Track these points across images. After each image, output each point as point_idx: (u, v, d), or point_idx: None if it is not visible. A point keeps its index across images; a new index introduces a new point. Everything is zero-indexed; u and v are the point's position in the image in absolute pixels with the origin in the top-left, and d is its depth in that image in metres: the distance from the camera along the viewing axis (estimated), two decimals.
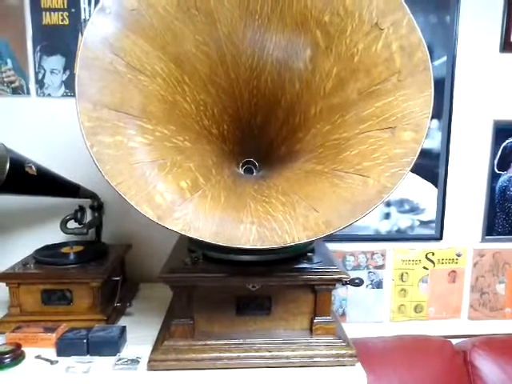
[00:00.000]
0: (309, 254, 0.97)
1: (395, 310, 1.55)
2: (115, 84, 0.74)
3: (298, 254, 0.96)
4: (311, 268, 0.91)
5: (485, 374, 1.39)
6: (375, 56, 0.80)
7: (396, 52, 0.78)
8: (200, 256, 0.94)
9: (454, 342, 1.50)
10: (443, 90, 1.42)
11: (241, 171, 1.08)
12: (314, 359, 0.90)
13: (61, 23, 1.31)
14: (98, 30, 0.74)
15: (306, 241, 0.67)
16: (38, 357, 0.93)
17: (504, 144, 1.48)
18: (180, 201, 0.71)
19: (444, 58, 1.41)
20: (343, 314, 1.53)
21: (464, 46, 1.42)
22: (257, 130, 1.06)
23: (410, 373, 1.38)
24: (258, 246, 0.66)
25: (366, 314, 1.55)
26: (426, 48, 0.76)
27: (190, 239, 1.03)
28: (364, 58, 0.82)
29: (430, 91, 0.74)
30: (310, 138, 0.93)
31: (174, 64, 0.85)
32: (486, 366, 1.40)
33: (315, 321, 0.94)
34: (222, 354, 0.89)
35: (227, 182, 0.87)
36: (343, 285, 0.95)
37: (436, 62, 1.41)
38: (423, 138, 0.71)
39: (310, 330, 0.94)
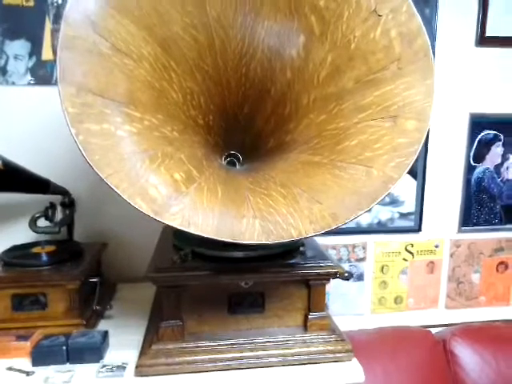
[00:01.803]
0: (301, 249, 0.94)
1: (376, 302, 1.56)
2: (100, 67, 0.68)
3: (290, 248, 0.93)
4: (306, 263, 0.89)
5: (464, 361, 1.42)
6: (373, 43, 0.78)
7: (395, 39, 0.76)
8: (189, 253, 0.88)
9: (433, 331, 1.53)
10: None
11: (223, 163, 1.03)
12: (311, 356, 0.88)
13: (25, 4, 1.21)
14: (81, 8, 0.67)
15: (312, 234, 0.64)
16: (10, 368, 0.85)
17: (479, 137, 1.51)
18: (175, 194, 0.66)
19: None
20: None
21: (442, 39, 1.43)
22: (243, 121, 1.02)
23: (393, 363, 1.39)
24: (264, 241, 0.62)
25: (348, 306, 1.54)
26: (427, 35, 0.75)
27: (176, 235, 0.97)
28: (361, 46, 0.79)
29: (432, 79, 0.73)
30: (303, 129, 0.90)
31: (161, 48, 0.79)
32: (464, 353, 1.43)
33: (310, 316, 0.91)
34: (214, 356, 0.85)
35: (220, 174, 0.82)
36: (334, 278, 0.93)
37: None
38: (427, 126, 0.70)
39: (305, 326, 0.92)
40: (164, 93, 0.82)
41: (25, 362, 0.87)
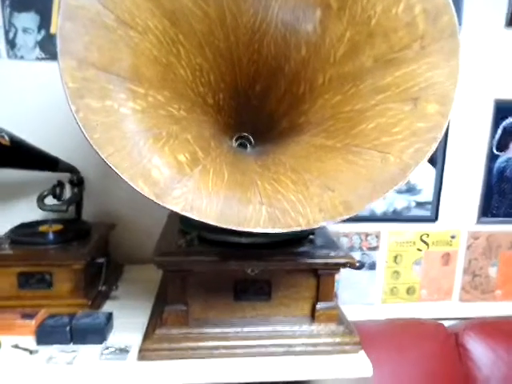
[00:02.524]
0: (311, 237, 0.90)
1: (387, 292, 1.52)
2: (103, 40, 0.64)
3: (299, 236, 0.90)
4: (315, 252, 0.85)
5: (476, 356, 1.38)
6: (395, 19, 0.72)
7: (419, 15, 0.71)
8: (195, 238, 0.86)
9: (446, 324, 1.49)
10: None
11: (234, 146, 1.00)
12: (317, 347, 0.85)
13: None
14: None
15: (322, 224, 0.60)
16: (16, 346, 0.85)
17: (503, 124, 1.44)
18: (179, 177, 0.62)
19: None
20: (335, 296, 1.49)
21: (469, 19, 1.35)
22: (255, 101, 0.97)
23: (403, 355, 1.36)
24: (270, 230, 0.59)
25: (358, 295, 1.51)
26: (454, 11, 0.69)
27: (182, 219, 0.95)
28: (382, 22, 0.74)
29: (457, 60, 0.67)
30: (317, 110, 0.85)
31: (169, 21, 0.75)
32: (477, 348, 1.39)
33: (318, 306, 0.88)
34: (218, 343, 0.83)
35: (228, 156, 0.78)
36: (344, 268, 0.90)
37: None
38: (450, 110, 0.65)
39: (312, 316, 0.89)
40: (171, 68, 0.78)
41: (29, 340, 0.87)
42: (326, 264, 0.85)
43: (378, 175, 0.64)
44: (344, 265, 0.86)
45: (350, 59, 0.79)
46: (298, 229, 0.60)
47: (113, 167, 0.57)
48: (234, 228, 0.58)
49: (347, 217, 0.61)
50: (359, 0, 0.76)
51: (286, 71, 0.90)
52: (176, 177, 0.62)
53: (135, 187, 0.57)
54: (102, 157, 0.57)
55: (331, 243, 0.90)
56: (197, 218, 0.58)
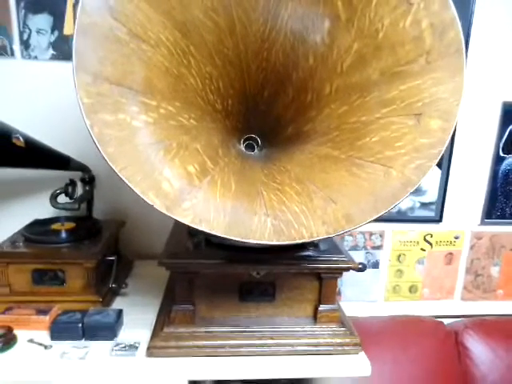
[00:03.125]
0: (315, 241, 0.93)
1: (390, 290, 1.55)
2: (117, 54, 0.66)
3: None
4: (318, 256, 0.88)
5: (475, 354, 1.41)
6: (402, 33, 0.74)
7: (426, 30, 0.72)
8: (202, 240, 0.89)
9: (447, 322, 1.52)
10: None
11: (242, 147, 1.02)
12: (318, 347, 0.89)
13: None
14: None
15: (324, 237, 0.63)
16: (31, 341, 0.89)
17: (511, 127, 1.44)
18: (189, 188, 0.65)
19: None
20: (338, 294, 1.52)
21: (478, 22, 1.35)
22: (263, 106, 0.99)
23: (403, 352, 1.39)
24: (274, 242, 0.61)
25: (361, 293, 1.54)
26: (460, 28, 0.70)
27: None
28: (389, 35, 0.75)
29: (462, 76, 0.68)
30: (324, 119, 0.87)
31: (180, 32, 0.77)
32: (476, 346, 1.42)
33: (320, 308, 0.91)
34: (224, 342, 0.87)
35: (235, 164, 0.81)
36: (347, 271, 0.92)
37: None
38: (452, 127, 0.66)
39: (314, 317, 0.92)
40: (182, 79, 0.80)
41: (44, 335, 0.91)
42: (329, 268, 0.88)
43: (381, 190, 0.66)
44: (346, 269, 0.89)
45: (357, 70, 0.80)
46: (302, 241, 0.63)
47: (126, 181, 0.60)
48: (240, 240, 0.61)
49: (349, 230, 0.63)
50: (367, 12, 0.77)
51: (293, 79, 0.92)
52: (186, 188, 0.65)
53: (147, 200, 0.60)
54: (116, 170, 0.60)
55: (334, 247, 0.93)
56: (205, 231, 0.60)
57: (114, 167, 0.60)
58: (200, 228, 0.60)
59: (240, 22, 0.84)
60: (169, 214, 0.60)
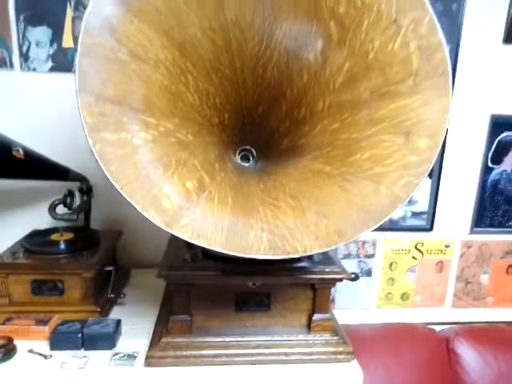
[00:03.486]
0: None
1: (382, 298, 1.58)
2: (118, 74, 0.69)
3: None
4: (312, 267, 0.91)
5: (465, 361, 1.44)
6: (392, 55, 0.77)
7: (414, 52, 0.75)
8: (199, 252, 0.91)
9: (439, 329, 1.55)
10: None
11: (237, 159, 1.05)
12: (312, 356, 0.91)
13: None
14: (100, 14, 0.67)
15: (317, 251, 0.65)
16: (31, 351, 0.90)
17: (499, 138, 1.48)
18: (187, 204, 0.68)
19: (448, 47, 1.38)
20: (332, 301, 1.55)
21: (468, 35, 1.39)
22: (258, 120, 1.02)
23: (395, 359, 1.42)
24: (270, 256, 0.64)
25: (355, 300, 1.57)
26: (447, 51, 0.73)
27: None
28: (379, 56, 0.78)
29: (449, 97, 0.72)
30: (317, 134, 0.90)
31: (178, 51, 0.80)
32: (466, 353, 1.45)
33: (314, 318, 0.94)
34: (220, 351, 0.89)
35: (232, 178, 0.83)
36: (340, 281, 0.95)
37: None
38: (439, 146, 0.70)
39: (308, 326, 0.95)
40: (180, 96, 0.83)
41: (43, 345, 0.92)
42: (323, 279, 0.91)
43: (371, 205, 0.69)
44: (339, 280, 0.92)
45: (349, 89, 0.83)
46: (296, 256, 0.65)
47: (127, 198, 0.62)
48: (237, 254, 0.63)
49: (340, 244, 0.66)
50: (359, 34, 0.80)
51: (288, 95, 0.95)
52: (184, 204, 0.68)
53: (147, 216, 0.62)
54: (117, 188, 0.62)
55: (328, 258, 0.95)
56: (204, 246, 0.63)
57: (116, 185, 0.62)
58: (198, 243, 0.63)
59: (236, 41, 0.87)
60: (168, 230, 0.63)
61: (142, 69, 0.73)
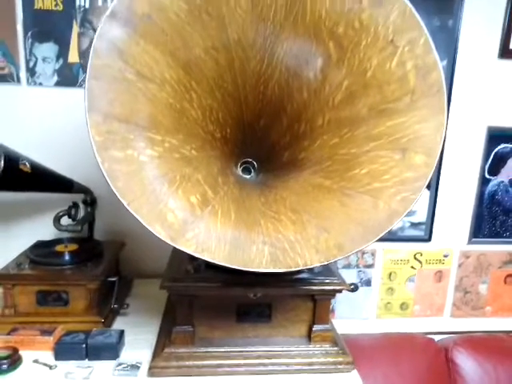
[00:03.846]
0: None
1: (382, 307, 1.59)
2: (125, 94, 0.72)
3: None
4: (313, 279, 0.93)
5: (464, 370, 1.45)
6: (389, 73, 0.80)
7: (410, 71, 0.78)
8: (202, 263, 0.93)
9: (438, 338, 1.56)
10: None
11: (239, 171, 1.07)
12: (312, 366, 0.93)
13: (54, 8, 1.25)
14: (108, 37, 0.70)
15: (317, 265, 0.67)
16: (36, 361, 0.92)
17: (496, 150, 1.51)
18: (191, 218, 0.70)
19: (444, 62, 1.42)
20: (332, 311, 1.57)
21: (464, 50, 1.42)
22: (259, 133, 1.05)
23: (395, 368, 1.43)
24: (271, 269, 0.66)
25: (354, 310, 1.59)
26: (442, 70, 0.76)
27: None
28: (377, 74, 0.81)
29: (444, 115, 0.74)
30: (316, 149, 0.93)
31: (183, 70, 0.82)
32: (465, 363, 1.47)
33: (314, 328, 0.96)
34: (222, 362, 0.91)
35: (234, 192, 0.86)
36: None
37: None
38: (435, 162, 0.72)
39: (309, 337, 0.96)
40: (184, 112, 0.85)
41: (48, 355, 0.94)
42: (323, 290, 0.93)
43: (369, 220, 0.71)
44: (338, 291, 0.94)
45: (348, 105, 0.86)
46: (297, 269, 0.67)
47: (134, 213, 0.64)
48: (239, 268, 0.65)
49: (340, 258, 0.68)
50: (357, 53, 0.83)
51: (288, 110, 0.98)
52: (189, 219, 0.70)
53: (153, 231, 0.64)
54: (124, 204, 0.64)
55: (328, 270, 0.97)
56: (208, 260, 0.65)
57: (123, 201, 0.64)
58: (202, 257, 0.65)
59: (239, 59, 0.90)
60: (173, 244, 0.65)
61: (148, 88, 0.75)
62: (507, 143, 1.51)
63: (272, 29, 0.86)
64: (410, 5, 0.77)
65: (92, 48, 0.68)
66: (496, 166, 1.52)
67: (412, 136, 0.76)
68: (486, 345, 1.52)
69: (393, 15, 0.78)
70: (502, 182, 1.54)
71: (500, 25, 1.41)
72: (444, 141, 1.43)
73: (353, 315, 1.59)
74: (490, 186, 1.54)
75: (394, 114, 0.79)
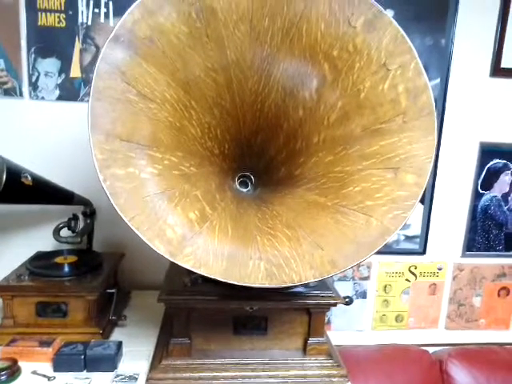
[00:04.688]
0: None
1: (377, 319, 1.61)
2: (127, 114, 0.74)
3: None
4: (308, 292, 0.95)
5: (459, 382, 1.47)
6: (381, 95, 0.83)
7: (402, 94, 0.81)
8: (199, 277, 0.95)
9: (431, 350, 1.58)
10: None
11: (236, 184, 1.09)
12: (307, 379, 0.94)
13: (57, 25, 1.28)
14: (111, 59, 0.73)
15: (311, 281, 0.70)
16: (35, 372, 0.93)
17: (488, 165, 1.54)
18: (190, 234, 0.72)
19: (437, 80, 1.45)
20: (328, 323, 1.58)
21: (457, 68, 1.46)
22: (256, 149, 1.07)
23: (389, 381, 1.45)
24: (267, 285, 0.68)
25: (350, 322, 1.60)
26: (432, 93, 0.79)
27: None
28: (370, 96, 0.84)
29: (434, 136, 0.77)
30: (312, 166, 0.95)
31: (183, 90, 0.85)
32: (459, 375, 1.48)
33: (309, 341, 0.97)
34: (218, 374, 0.92)
35: (231, 207, 0.88)
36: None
37: (430, 84, 1.44)
38: (425, 182, 0.75)
39: (304, 349, 0.98)
40: (184, 130, 0.88)
41: (46, 367, 0.95)
42: (318, 304, 0.95)
43: (362, 237, 0.73)
44: (333, 304, 0.96)
45: (342, 125, 0.89)
46: (291, 285, 0.70)
47: (135, 230, 0.67)
48: (236, 283, 0.68)
49: (333, 274, 0.71)
50: (351, 75, 0.86)
51: (284, 127, 1.00)
52: (187, 235, 0.72)
53: (153, 247, 0.67)
54: (126, 220, 0.67)
55: (323, 284, 0.99)
56: (205, 275, 0.67)
57: (124, 217, 0.67)
58: (200, 272, 0.67)
59: (237, 80, 0.93)
60: (172, 260, 0.67)
61: (149, 107, 0.78)
62: (499, 158, 1.54)
63: (269, 51, 0.90)
64: (401, 30, 0.81)
65: (95, 70, 0.71)
66: (489, 180, 1.56)
67: (404, 156, 0.79)
68: (480, 357, 1.53)
69: (385, 40, 0.81)
70: (495, 196, 1.57)
71: (491, 44, 1.45)
72: (437, 157, 1.48)
73: (349, 327, 1.60)
74: (483, 201, 1.57)
75: (386, 134, 0.82)
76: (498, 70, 1.47)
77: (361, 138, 0.85)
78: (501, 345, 1.63)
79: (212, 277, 0.68)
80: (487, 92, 1.49)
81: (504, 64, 1.46)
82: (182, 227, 0.73)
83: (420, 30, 1.40)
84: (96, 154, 0.68)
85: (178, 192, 0.78)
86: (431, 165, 0.76)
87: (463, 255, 1.60)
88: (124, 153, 0.72)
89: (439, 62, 1.44)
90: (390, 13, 1.34)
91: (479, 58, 1.46)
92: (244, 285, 0.68)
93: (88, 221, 1.31)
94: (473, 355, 1.54)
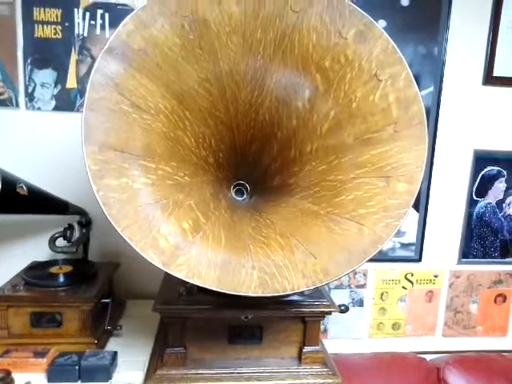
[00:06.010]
0: None
1: (374, 327, 1.61)
2: (120, 124, 0.75)
3: None
4: (303, 301, 0.95)
5: None
6: (373, 105, 0.84)
7: (393, 103, 0.82)
8: (194, 286, 0.95)
9: (429, 357, 1.57)
10: (428, 119, 1.48)
11: (232, 193, 1.10)
12: None
13: (53, 36, 1.29)
14: (105, 71, 0.74)
15: (304, 289, 0.70)
16: (28, 383, 0.93)
17: (482, 172, 1.55)
18: (183, 244, 0.73)
19: (431, 88, 1.47)
20: (325, 331, 1.58)
21: (450, 77, 1.48)
22: (251, 158, 1.08)
23: None
24: (260, 294, 0.69)
25: (347, 330, 1.60)
26: (422, 103, 0.80)
27: None
28: (362, 106, 0.85)
29: (424, 145, 0.78)
30: (306, 175, 0.96)
31: (177, 101, 0.86)
32: (457, 382, 1.48)
33: (304, 350, 0.97)
34: (214, 383, 0.92)
35: (225, 216, 0.89)
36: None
37: (423, 92, 1.46)
38: (416, 190, 0.75)
39: (299, 358, 0.98)
40: (178, 140, 0.89)
41: (40, 377, 0.95)
42: (312, 312, 0.95)
43: (354, 245, 0.74)
44: (328, 313, 0.96)
45: (334, 134, 0.90)
46: (284, 293, 0.70)
47: (127, 240, 0.67)
48: (229, 292, 0.68)
49: (326, 283, 0.71)
50: (342, 85, 0.87)
51: (278, 136, 1.01)
52: (181, 244, 0.72)
53: (146, 257, 0.67)
54: (118, 230, 0.67)
55: (317, 292, 0.99)
56: (198, 284, 0.67)
57: (116, 227, 0.67)
58: (193, 282, 0.68)
59: (230, 90, 0.94)
60: (165, 269, 0.67)
61: (143, 118, 0.79)
62: (493, 166, 1.55)
63: (262, 62, 0.91)
64: (391, 41, 0.82)
65: (89, 81, 0.72)
66: (483, 187, 1.56)
67: (395, 165, 0.79)
68: (478, 364, 1.53)
69: (376, 50, 0.82)
70: (490, 203, 1.58)
71: (483, 53, 1.47)
72: (431, 165, 1.49)
73: (346, 335, 1.60)
74: (478, 208, 1.58)
75: (378, 143, 0.83)
76: (490, 79, 1.48)
77: (353, 147, 0.86)
78: (499, 352, 1.63)
79: (205, 286, 0.68)
80: (480, 100, 1.50)
81: (496, 73, 1.48)
82: (175, 237, 0.73)
83: (413, 39, 1.42)
84: (89, 164, 0.69)
85: (172, 201, 0.79)
86: (422, 173, 0.77)
87: (459, 262, 1.60)
88: (117, 163, 0.73)
89: (432, 70, 1.45)
90: (382, 23, 1.36)
91: (472, 67, 1.48)
92: (237, 294, 0.68)
93: (84, 230, 1.31)
94: (470, 362, 1.54)
